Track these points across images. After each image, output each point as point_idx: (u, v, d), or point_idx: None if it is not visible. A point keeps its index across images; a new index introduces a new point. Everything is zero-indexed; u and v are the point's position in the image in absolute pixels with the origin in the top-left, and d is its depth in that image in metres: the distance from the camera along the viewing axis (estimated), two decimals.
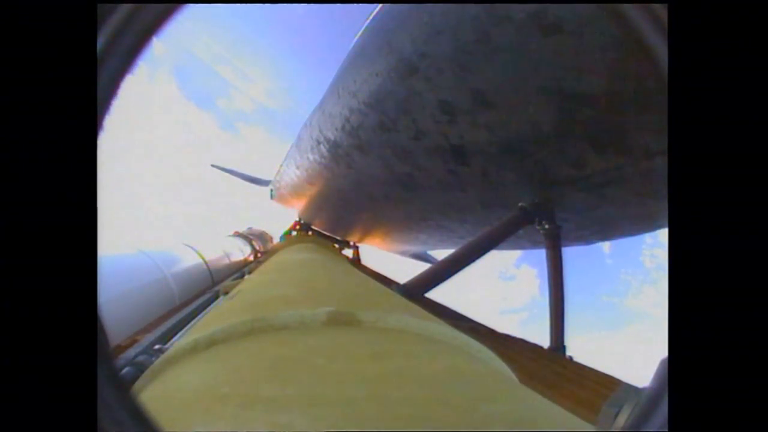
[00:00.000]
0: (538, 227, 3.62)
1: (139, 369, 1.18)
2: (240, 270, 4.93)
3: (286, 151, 7.83)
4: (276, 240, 7.71)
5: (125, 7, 0.43)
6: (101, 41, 0.42)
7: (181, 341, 0.95)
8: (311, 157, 6.02)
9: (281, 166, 8.29)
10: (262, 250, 7.04)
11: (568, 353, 3.41)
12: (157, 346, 1.60)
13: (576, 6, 2.14)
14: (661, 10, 0.47)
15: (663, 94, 0.48)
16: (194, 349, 0.86)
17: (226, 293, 2.59)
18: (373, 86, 3.77)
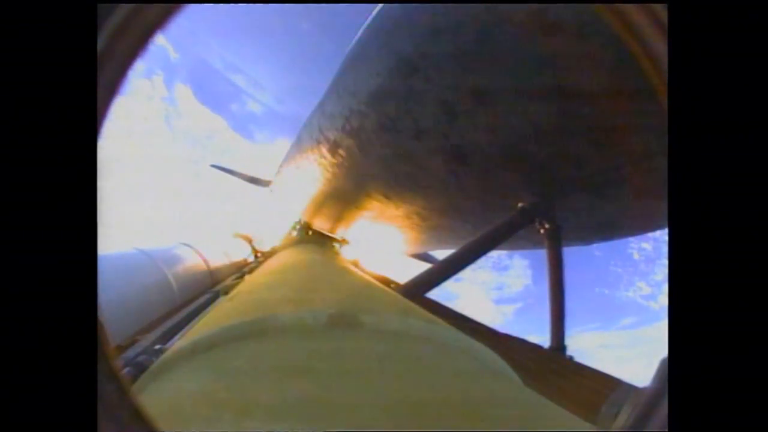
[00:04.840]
0: (538, 227, 3.62)
1: (139, 369, 1.17)
2: (240, 270, 4.93)
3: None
4: (274, 241, 7.69)
5: (125, 7, 0.43)
6: (101, 41, 0.42)
7: (179, 344, 0.94)
8: (311, 157, 6.01)
9: (281, 166, 8.28)
10: (262, 250, 7.03)
11: (568, 353, 3.41)
12: (157, 347, 1.60)
13: (576, 6, 2.14)
14: (661, 10, 0.47)
15: (663, 94, 0.48)
16: (192, 352, 0.85)
17: (226, 293, 2.59)
18: (373, 86, 3.77)
